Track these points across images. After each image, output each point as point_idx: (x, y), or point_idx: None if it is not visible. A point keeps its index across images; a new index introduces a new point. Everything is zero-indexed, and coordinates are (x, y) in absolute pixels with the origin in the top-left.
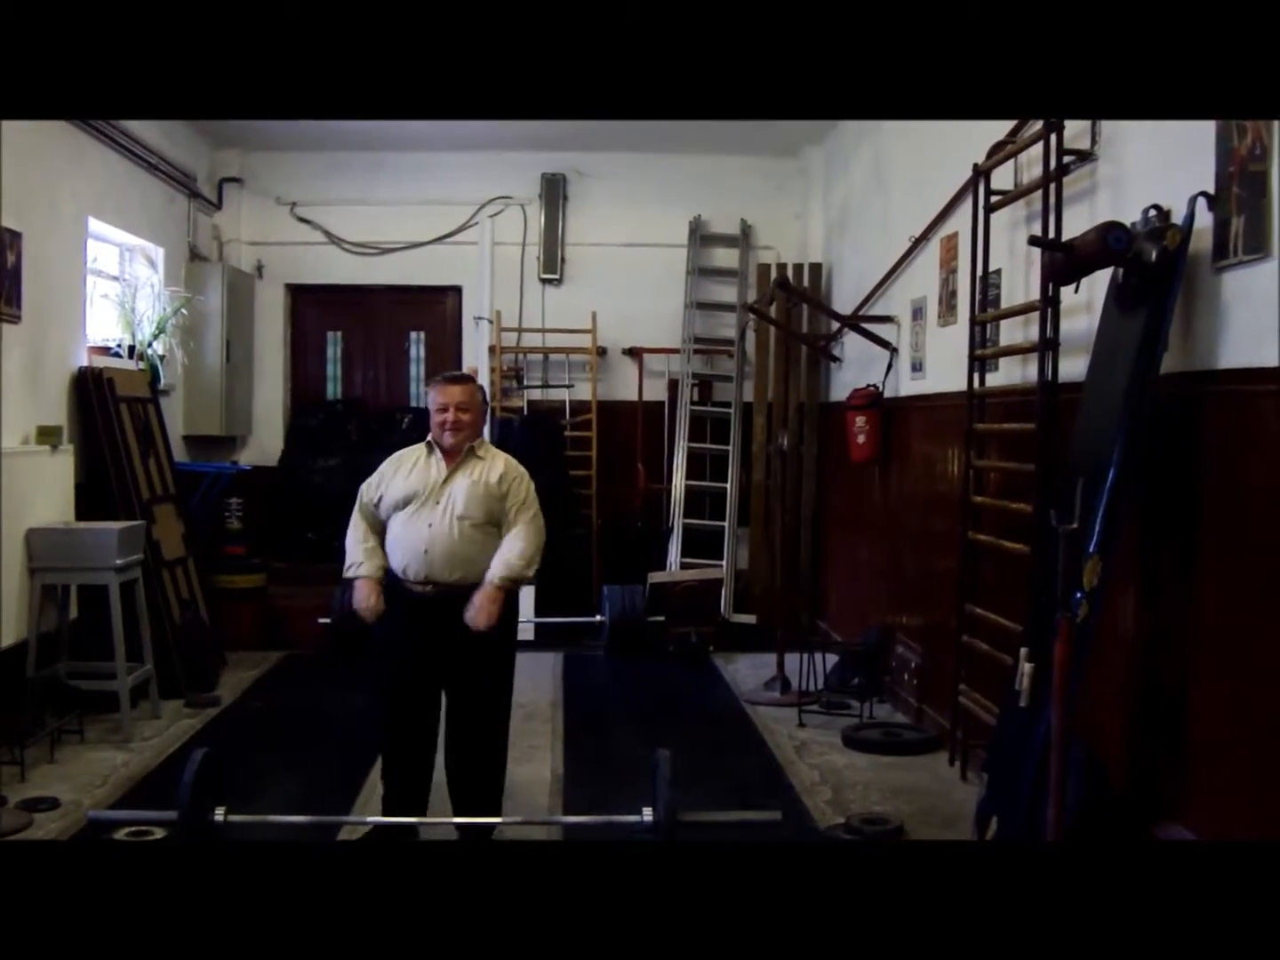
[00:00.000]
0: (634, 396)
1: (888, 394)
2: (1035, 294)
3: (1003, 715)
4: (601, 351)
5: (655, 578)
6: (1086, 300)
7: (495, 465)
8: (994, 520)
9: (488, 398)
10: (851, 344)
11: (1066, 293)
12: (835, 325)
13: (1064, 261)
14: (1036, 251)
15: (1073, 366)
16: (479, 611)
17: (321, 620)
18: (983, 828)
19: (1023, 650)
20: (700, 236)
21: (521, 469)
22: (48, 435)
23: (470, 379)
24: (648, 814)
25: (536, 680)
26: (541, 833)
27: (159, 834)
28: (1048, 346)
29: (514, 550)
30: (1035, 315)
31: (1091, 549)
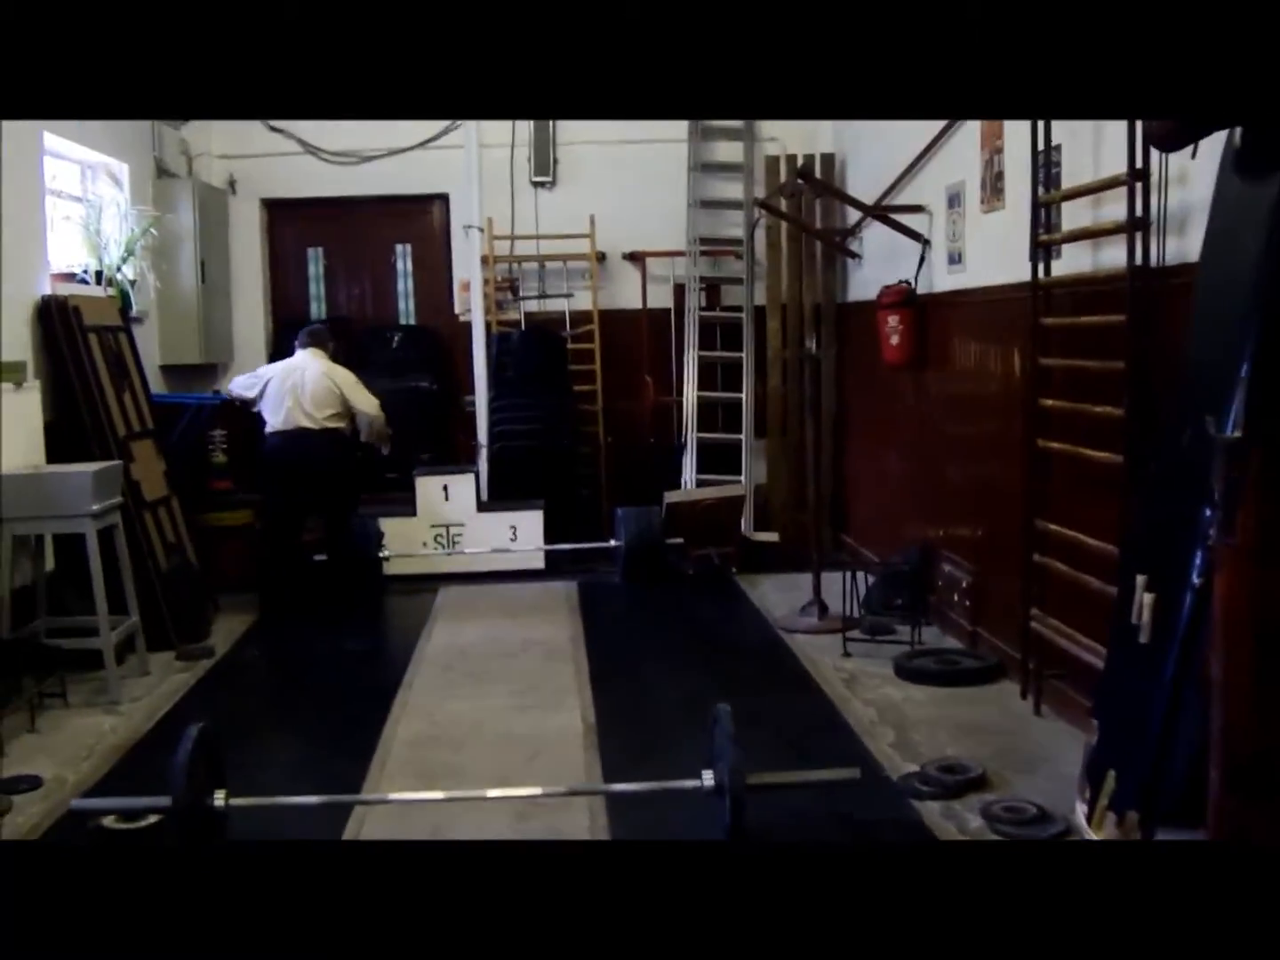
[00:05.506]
0: (638, 304)
1: (920, 290)
2: (1104, 171)
3: (1114, 653)
4: (601, 257)
5: (672, 497)
6: (1178, 172)
7: None
8: (1066, 425)
9: None
10: (871, 239)
11: (1153, 166)
12: (852, 220)
13: (1173, 123)
14: (1103, 125)
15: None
16: None
17: (317, 557)
18: (1096, 783)
19: (1139, 578)
20: (701, 129)
21: None
22: (11, 371)
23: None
24: (708, 777)
25: (552, 613)
26: (584, 803)
27: (152, 820)
28: (1137, 226)
29: None
30: (1103, 196)
31: None
